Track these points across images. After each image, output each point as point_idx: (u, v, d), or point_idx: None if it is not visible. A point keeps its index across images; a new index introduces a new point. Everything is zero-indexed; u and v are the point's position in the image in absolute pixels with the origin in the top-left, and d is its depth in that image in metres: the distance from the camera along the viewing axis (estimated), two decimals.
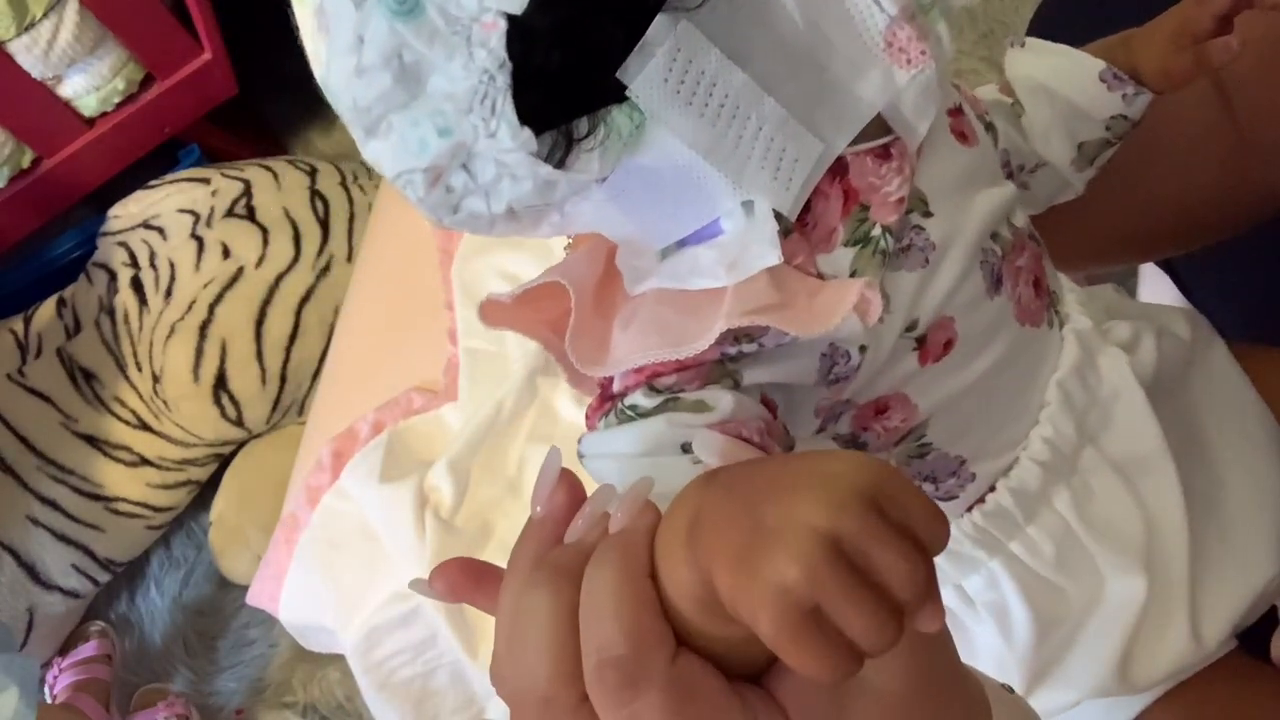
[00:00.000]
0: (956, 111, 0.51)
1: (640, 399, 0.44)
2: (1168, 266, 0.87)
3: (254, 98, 1.54)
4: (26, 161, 1.44)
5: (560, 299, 0.46)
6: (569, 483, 0.35)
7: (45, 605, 1.40)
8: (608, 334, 0.46)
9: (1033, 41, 0.59)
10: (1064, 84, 0.57)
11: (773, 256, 0.42)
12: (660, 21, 0.39)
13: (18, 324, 1.45)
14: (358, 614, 1.05)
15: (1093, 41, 0.61)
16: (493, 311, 0.48)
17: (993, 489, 0.55)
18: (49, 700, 1.39)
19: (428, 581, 0.36)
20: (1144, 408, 0.55)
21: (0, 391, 1.37)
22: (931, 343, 0.49)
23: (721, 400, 0.43)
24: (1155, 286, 0.90)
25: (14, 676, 1.12)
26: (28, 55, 1.33)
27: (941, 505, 0.46)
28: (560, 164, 0.40)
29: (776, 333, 0.44)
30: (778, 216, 0.43)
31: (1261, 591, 0.57)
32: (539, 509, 0.34)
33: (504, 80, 0.39)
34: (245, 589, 1.34)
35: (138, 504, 1.41)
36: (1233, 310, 0.84)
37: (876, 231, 0.46)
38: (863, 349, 0.46)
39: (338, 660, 1.34)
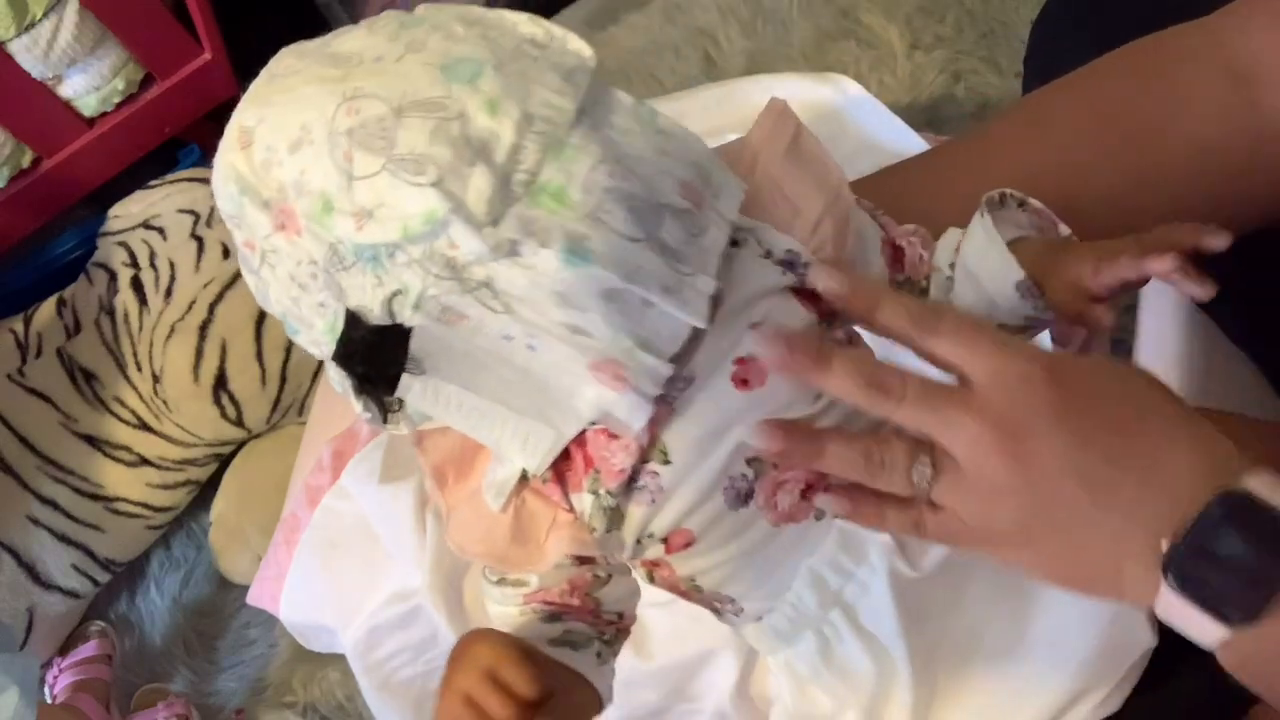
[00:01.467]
0: (747, 360, 0.56)
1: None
2: None
3: None
4: (26, 161, 1.44)
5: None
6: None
7: (45, 605, 1.39)
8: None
9: (976, 225, 0.61)
10: (987, 279, 0.60)
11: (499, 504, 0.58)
12: (405, 378, 0.54)
13: (18, 324, 1.45)
14: (358, 614, 1.05)
15: (1096, 51, 0.61)
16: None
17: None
18: (49, 700, 1.39)
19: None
20: (887, 599, 0.61)
21: (0, 391, 1.37)
22: (672, 542, 0.58)
23: (530, 577, 0.61)
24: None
25: (14, 676, 1.12)
26: (28, 55, 1.33)
27: (732, 617, 0.63)
28: (383, 421, 0.56)
29: None
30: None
31: None
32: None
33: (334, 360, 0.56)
34: (245, 589, 1.34)
35: (138, 504, 1.41)
36: (1232, 310, 0.84)
37: (603, 490, 0.57)
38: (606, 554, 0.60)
39: (338, 660, 1.33)
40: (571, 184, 0.52)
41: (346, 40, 0.56)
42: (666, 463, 0.56)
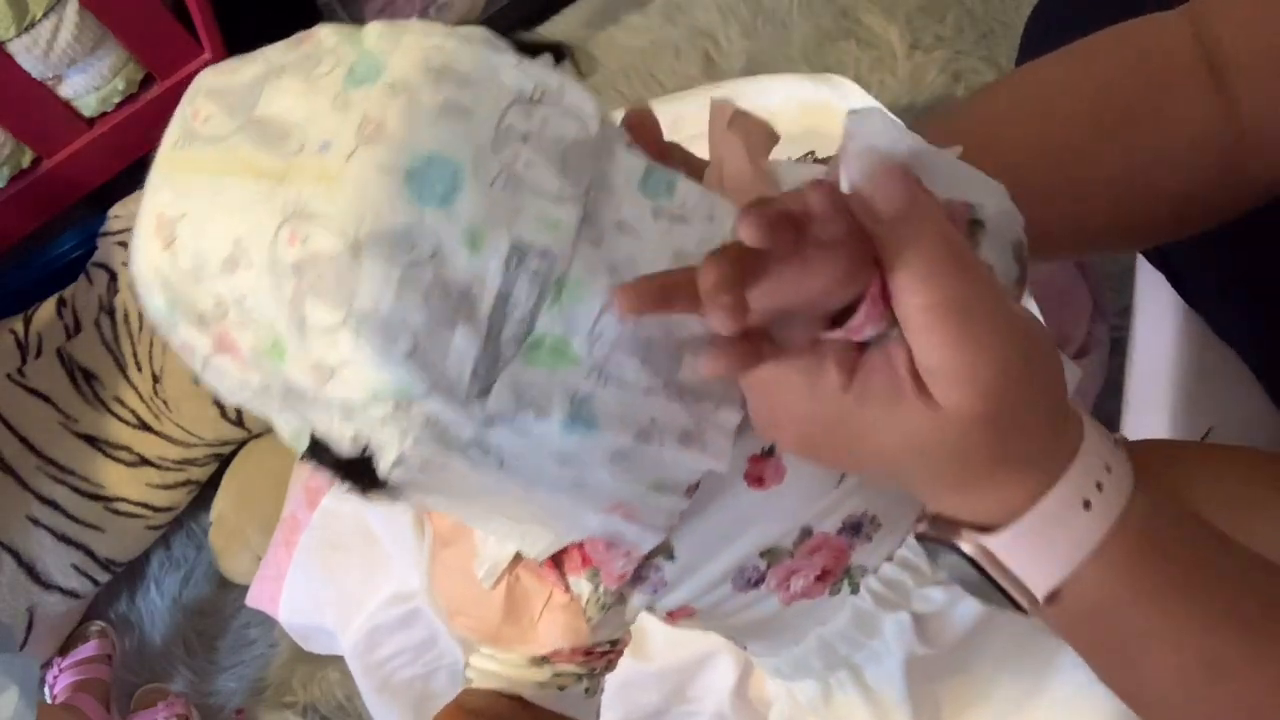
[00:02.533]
0: (763, 457, 0.50)
1: None
2: (1166, 267, 0.87)
3: None
4: (26, 161, 1.44)
5: None
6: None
7: (45, 605, 1.40)
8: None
9: None
10: None
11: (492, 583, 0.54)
12: (387, 488, 0.45)
13: (18, 324, 1.45)
14: (358, 615, 1.05)
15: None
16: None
17: None
18: (49, 700, 1.39)
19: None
20: (898, 671, 0.58)
21: (0, 391, 1.37)
22: (676, 615, 0.56)
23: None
24: (1153, 288, 0.90)
25: (14, 676, 1.12)
26: (28, 55, 1.33)
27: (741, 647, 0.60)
28: (366, 497, 0.46)
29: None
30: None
31: None
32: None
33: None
34: (245, 589, 1.34)
35: (138, 504, 1.41)
36: (1232, 310, 0.84)
37: (601, 586, 0.52)
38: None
39: (338, 660, 1.33)
40: (574, 335, 0.42)
41: (280, 95, 0.44)
42: (672, 559, 0.52)
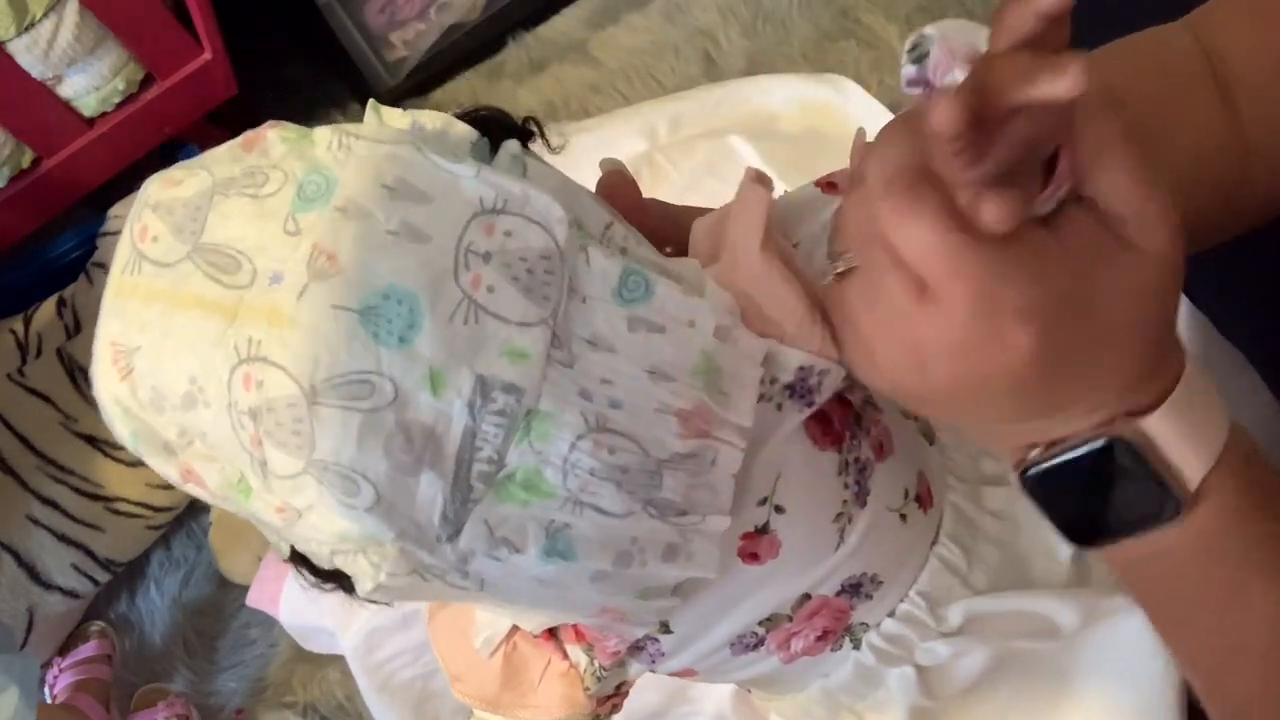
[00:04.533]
0: (756, 534, 0.49)
1: None
2: None
3: (254, 98, 1.54)
4: (26, 161, 1.44)
5: None
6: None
7: (45, 605, 1.39)
8: None
9: None
10: None
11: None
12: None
13: (18, 324, 1.45)
14: (358, 616, 1.05)
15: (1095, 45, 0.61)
16: None
17: None
18: (49, 700, 1.39)
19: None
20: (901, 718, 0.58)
21: (0, 391, 1.37)
22: (677, 673, 0.56)
23: None
24: None
25: (14, 676, 1.12)
26: (28, 55, 1.33)
27: None
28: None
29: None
30: None
31: None
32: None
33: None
34: (245, 589, 1.34)
35: (138, 504, 1.41)
36: (1236, 307, 0.83)
37: (596, 660, 0.52)
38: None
39: (338, 660, 1.33)
40: (546, 467, 0.40)
41: (227, 218, 0.41)
42: (668, 633, 0.51)
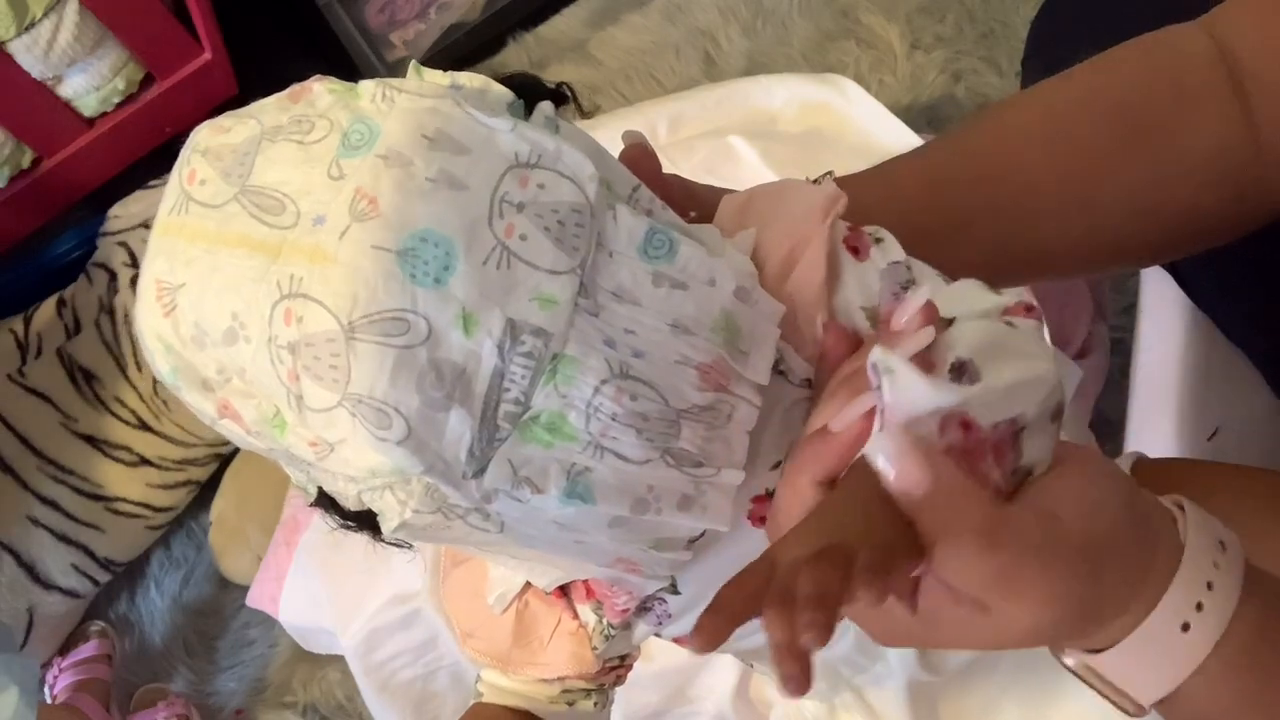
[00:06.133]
0: (767, 497, 0.50)
1: None
2: (1172, 267, 0.87)
3: (254, 98, 1.53)
4: (26, 161, 1.44)
5: None
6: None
7: (45, 605, 1.39)
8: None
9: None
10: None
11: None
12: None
13: (18, 324, 1.45)
14: (358, 616, 1.05)
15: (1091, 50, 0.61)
16: None
17: None
18: (49, 700, 1.39)
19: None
20: (900, 697, 0.59)
21: (0, 391, 1.37)
22: (681, 640, 0.55)
23: None
24: (1159, 288, 0.90)
25: (14, 676, 1.12)
26: (28, 55, 1.33)
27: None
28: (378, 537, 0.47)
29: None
30: None
31: None
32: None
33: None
34: (245, 589, 1.34)
35: (138, 504, 1.41)
36: (1234, 309, 0.84)
37: (605, 619, 0.53)
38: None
39: (338, 660, 1.33)
40: (570, 411, 0.42)
41: (274, 162, 0.43)
42: (675, 593, 0.53)
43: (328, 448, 0.42)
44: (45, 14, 1.30)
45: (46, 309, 1.45)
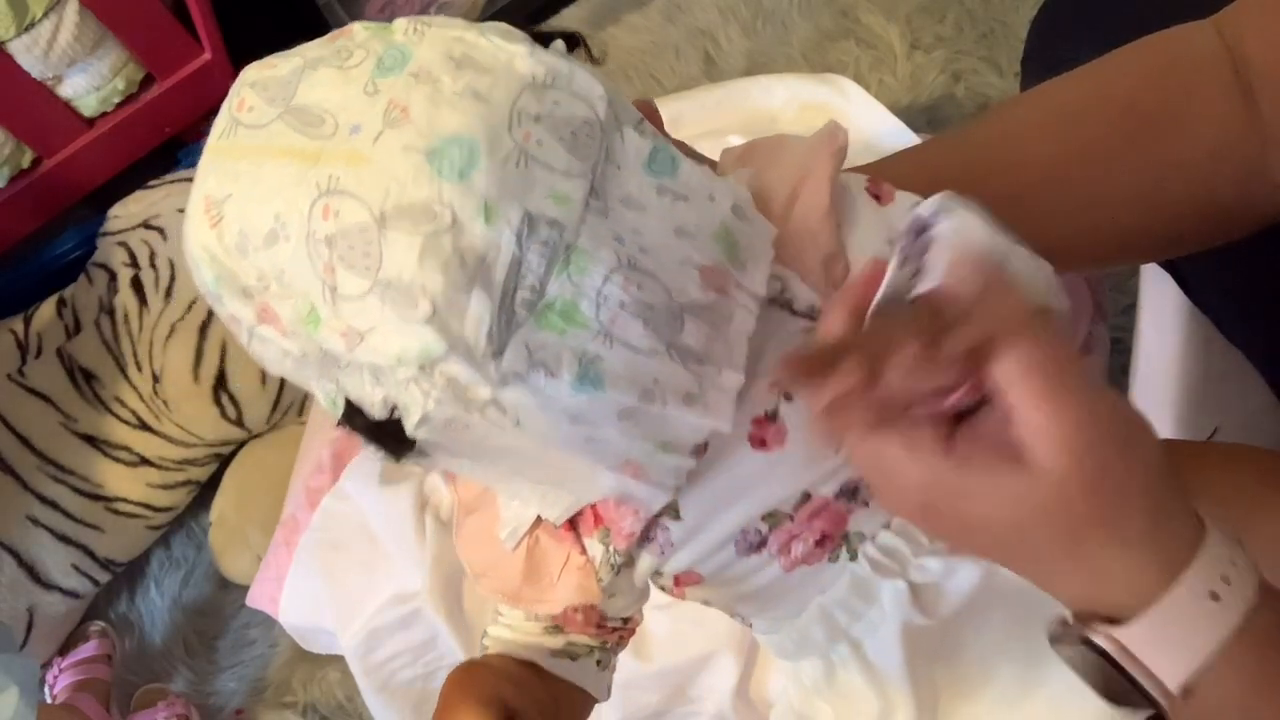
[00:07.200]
0: (766, 419, 0.53)
1: None
2: (1172, 268, 0.87)
3: None
4: (26, 161, 1.44)
5: None
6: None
7: (45, 605, 1.40)
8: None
9: None
10: None
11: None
12: (416, 451, 0.49)
13: (18, 324, 1.45)
14: (358, 616, 1.05)
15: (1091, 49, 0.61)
16: None
17: None
18: (49, 700, 1.39)
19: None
20: (895, 642, 0.59)
21: (0, 391, 1.37)
22: (681, 581, 0.57)
23: None
24: (1158, 287, 0.90)
25: (14, 676, 1.12)
26: (28, 55, 1.33)
27: (742, 620, 0.61)
28: (396, 462, 0.51)
29: None
30: None
31: None
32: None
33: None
34: (245, 589, 1.34)
35: (138, 504, 1.41)
36: (1238, 309, 0.84)
37: (611, 546, 0.55)
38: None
39: (338, 660, 1.34)
40: (582, 299, 0.46)
41: (316, 85, 0.48)
42: (678, 519, 0.55)
43: (358, 337, 0.46)
44: (45, 14, 1.30)
45: (46, 309, 1.45)
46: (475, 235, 0.44)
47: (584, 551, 0.56)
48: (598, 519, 0.55)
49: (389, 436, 0.48)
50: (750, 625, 0.63)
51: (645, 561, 0.56)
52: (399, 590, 1.03)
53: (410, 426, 0.47)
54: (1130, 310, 1.05)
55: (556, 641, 0.59)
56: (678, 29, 1.62)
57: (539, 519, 0.56)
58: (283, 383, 1.39)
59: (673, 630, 0.92)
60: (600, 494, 0.53)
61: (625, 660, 0.93)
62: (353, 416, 0.49)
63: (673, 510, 0.54)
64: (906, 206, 0.55)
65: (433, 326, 0.44)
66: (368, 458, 1.09)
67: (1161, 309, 0.89)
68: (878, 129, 1.16)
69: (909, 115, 1.29)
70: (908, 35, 1.53)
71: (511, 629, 0.60)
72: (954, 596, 0.58)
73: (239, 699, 1.44)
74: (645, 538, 0.55)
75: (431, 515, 1.04)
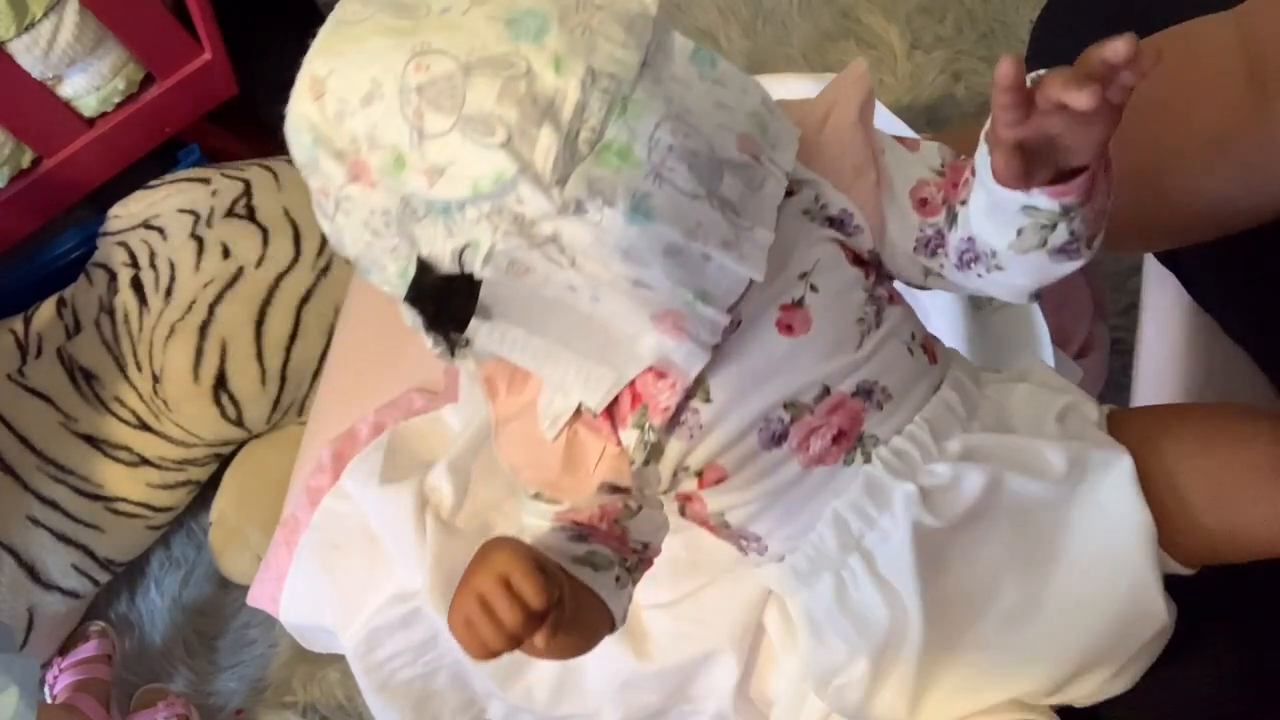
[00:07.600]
0: (793, 306, 0.59)
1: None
2: (1175, 267, 0.87)
3: (254, 98, 1.54)
4: (26, 161, 1.44)
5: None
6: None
7: (45, 605, 1.39)
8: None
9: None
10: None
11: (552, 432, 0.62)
12: (473, 321, 0.57)
13: (18, 324, 1.45)
14: (358, 615, 1.05)
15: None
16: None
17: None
18: (49, 700, 1.39)
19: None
20: (906, 548, 0.61)
21: (0, 391, 1.37)
22: (706, 477, 0.61)
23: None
24: (1160, 287, 0.90)
25: (14, 676, 1.12)
26: (28, 55, 1.33)
27: (756, 555, 0.64)
28: (451, 356, 0.60)
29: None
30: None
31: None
32: None
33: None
34: (245, 589, 1.34)
35: (138, 504, 1.41)
36: (1240, 309, 0.83)
37: (648, 424, 0.60)
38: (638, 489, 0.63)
39: (338, 660, 1.33)
40: (635, 142, 0.54)
41: None
42: (708, 401, 0.59)
43: (438, 174, 0.54)
44: (45, 14, 1.30)
45: (46, 309, 1.45)
46: (546, 82, 0.53)
47: (619, 443, 0.61)
48: (635, 399, 0.60)
49: (455, 298, 0.56)
50: (765, 551, 0.64)
51: (674, 448, 0.60)
52: (399, 590, 1.03)
53: (477, 264, 0.55)
54: (1131, 310, 1.05)
55: (579, 549, 0.61)
56: (678, 29, 1.61)
57: (578, 413, 0.61)
58: (282, 383, 1.39)
59: (673, 630, 0.92)
60: (641, 364, 0.58)
61: (625, 660, 0.93)
62: (422, 279, 0.57)
63: (703, 391, 0.59)
64: (934, 149, 0.62)
65: (506, 151, 0.53)
66: (369, 456, 1.09)
67: (1162, 309, 0.89)
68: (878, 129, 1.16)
69: (909, 115, 1.29)
70: (908, 35, 1.53)
71: (540, 520, 0.63)
72: (962, 500, 0.61)
73: (239, 699, 1.44)
74: (676, 420, 0.60)
75: (432, 515, 1.03)
